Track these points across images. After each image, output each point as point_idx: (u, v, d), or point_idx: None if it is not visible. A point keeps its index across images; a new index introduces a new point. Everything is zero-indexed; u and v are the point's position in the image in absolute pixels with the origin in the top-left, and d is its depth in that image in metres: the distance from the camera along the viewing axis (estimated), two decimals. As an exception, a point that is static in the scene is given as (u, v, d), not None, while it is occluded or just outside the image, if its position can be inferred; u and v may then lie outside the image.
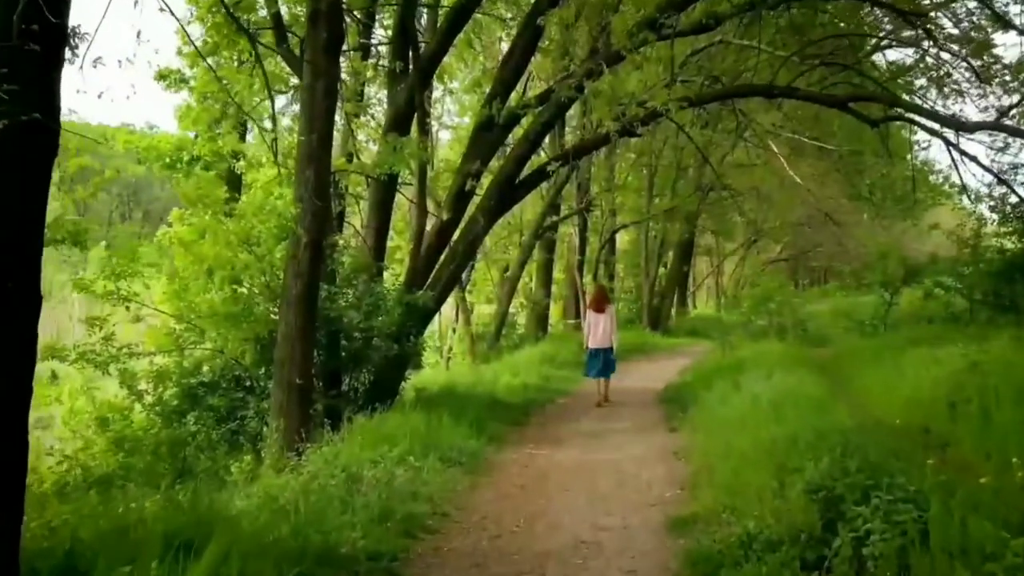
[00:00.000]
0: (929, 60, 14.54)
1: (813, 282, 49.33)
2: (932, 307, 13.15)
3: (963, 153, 9.19)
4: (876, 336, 12.70)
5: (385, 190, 11.04)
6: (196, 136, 10.85)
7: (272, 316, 8.27)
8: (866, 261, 38.15)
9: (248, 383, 9.10)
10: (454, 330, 18.76)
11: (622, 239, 27.44)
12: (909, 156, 22.75)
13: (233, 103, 9.33)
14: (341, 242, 9.10)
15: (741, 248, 36.08)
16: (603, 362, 11.00)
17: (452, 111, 21.09)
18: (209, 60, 9.32)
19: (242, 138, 11.64)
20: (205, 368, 8.91)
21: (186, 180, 12.26)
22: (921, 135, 22.56)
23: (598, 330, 11.05)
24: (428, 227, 10.55)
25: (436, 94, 19.62)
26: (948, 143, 9.10)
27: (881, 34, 14.72)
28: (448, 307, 22.50)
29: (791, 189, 25.22)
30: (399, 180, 11.24)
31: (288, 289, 7.68)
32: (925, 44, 14.44)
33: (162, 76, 13.03)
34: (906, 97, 17.17)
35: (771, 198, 23.31)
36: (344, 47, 11.91)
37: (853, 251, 35.49)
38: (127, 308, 8.30)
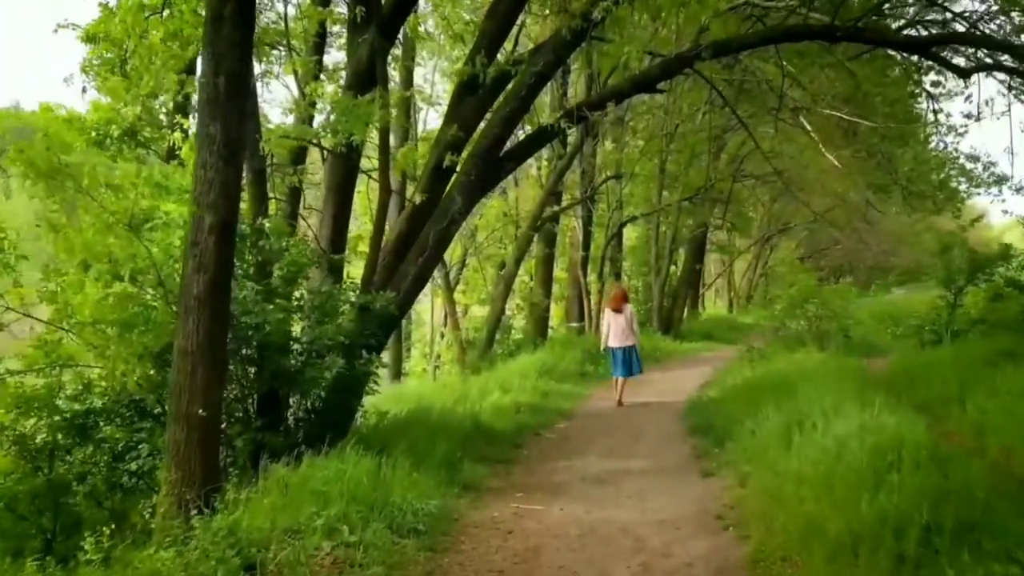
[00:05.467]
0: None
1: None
2: (1003, 310, 11.01)
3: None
4: (941, 346, 10.57)
5: (344, 167, 8.94)
6: (85, 90, 8.75)
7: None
8: (880, 257, 36.27)
9: (156, 410, 7.04)
10: (442, 335, 16.70)
11: (629, 235, 25.32)
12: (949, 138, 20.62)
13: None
14: (269, 225, 6.98)
15: (755, 245, 33.94)
16: (627, 360, 10.93)
17: (444, 92, 18.98)
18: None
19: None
20: (96, 391, 6.83)
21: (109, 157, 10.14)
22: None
23: (617, 330, 10.98)
24: (399, 211, 8.51)
25: (425, 72, 17.60)
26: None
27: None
28: (440, 309, 20.47)
29: (814, 180, 23.18)
30: (361, 153, 9.16)
31: (187, 288, 5.60)
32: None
33: (89, 38, 10.96)
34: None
35: (799, 183, 21.11)
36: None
37: (875, 247, 33.49)
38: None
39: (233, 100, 5.70)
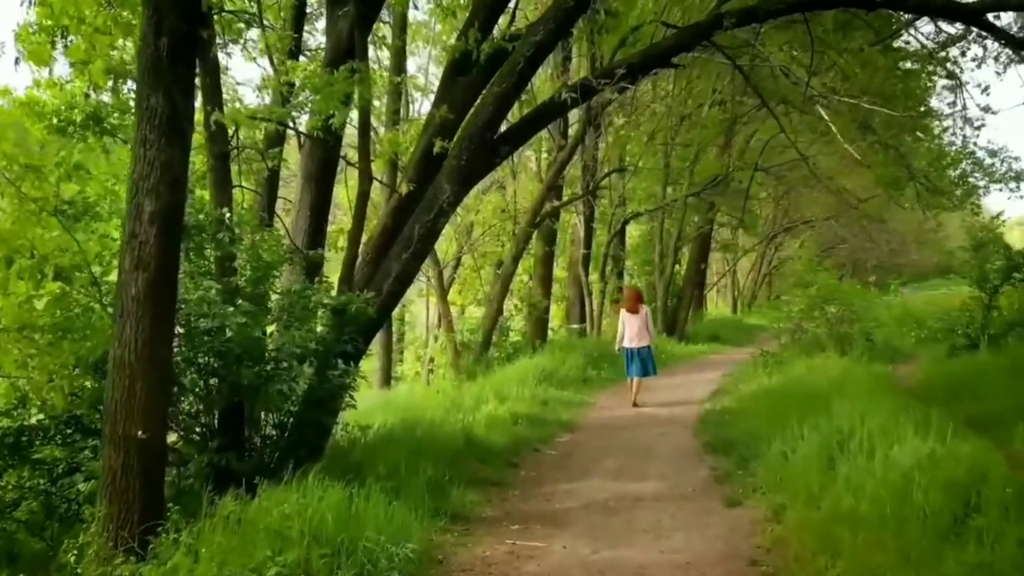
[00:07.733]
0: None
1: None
2: (1039, 311, 10.17)
3: None
4: (978, 351, 9.70)
5: (323, 153, 8.10)
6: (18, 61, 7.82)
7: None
8: (886, 256, 35.37)
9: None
10: (436, 337, 15.84)
11: (631, 233, 24.44)
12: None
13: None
14: (229, 216, 6.10)
15: (760, 244, 33.06)
16: (641, 361, 11.03)
17: (438, 79, 18.08)
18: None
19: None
20: (33, 405, 5.98)
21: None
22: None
23: (632, 331, 11.11)
24: (384, 203, 7.65)
25: (421, 62, 16.75)
26: None
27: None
28: (433, 310, 19.61)
29: (824, 175, 22.34)
30: (342, 138, 8.32)
31: (124, 288, 4.76)
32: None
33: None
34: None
35: (809, 178, 20.32)
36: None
37: (884, 246, 32.66)
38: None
39: (178, 66, 4.85)
